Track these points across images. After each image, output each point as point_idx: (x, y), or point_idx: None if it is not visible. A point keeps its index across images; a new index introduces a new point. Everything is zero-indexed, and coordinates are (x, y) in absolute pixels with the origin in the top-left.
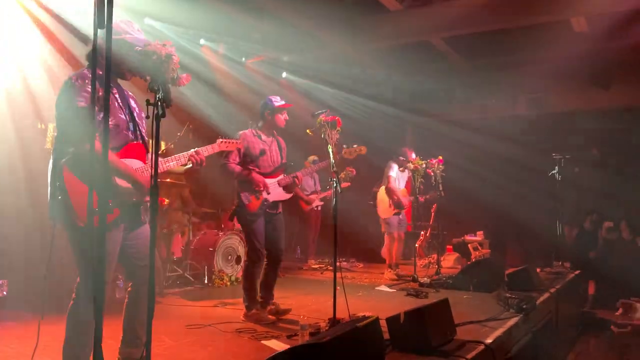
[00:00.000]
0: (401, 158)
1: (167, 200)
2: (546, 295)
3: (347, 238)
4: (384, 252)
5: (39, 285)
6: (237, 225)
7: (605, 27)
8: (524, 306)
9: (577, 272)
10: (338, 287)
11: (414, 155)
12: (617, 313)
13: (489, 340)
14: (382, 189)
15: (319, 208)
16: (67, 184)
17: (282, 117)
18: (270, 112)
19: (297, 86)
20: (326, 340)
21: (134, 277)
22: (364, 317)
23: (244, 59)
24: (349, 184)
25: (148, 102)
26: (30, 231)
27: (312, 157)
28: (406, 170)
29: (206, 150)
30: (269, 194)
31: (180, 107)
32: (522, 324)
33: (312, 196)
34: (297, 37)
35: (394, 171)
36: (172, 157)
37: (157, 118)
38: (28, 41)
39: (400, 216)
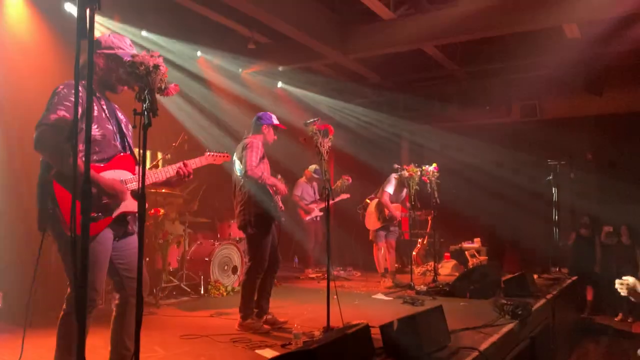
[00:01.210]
0: (404, 173)
1: (162, 210)
2: (542, 301)
3: (344, 247)
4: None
5: (35, 299)
6: (234, 235)
7: (597, 33)
8: (519, 312)
9: (575, 278)
10: (334, 297)
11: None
12: (616, 319)
13: (483, 347)
14: (374, 202)
15: (318, 218)
16: (58, 196)
17: (273, 136)
18: (267, 128)
19: (292, 96)
20: (314, 347)
21: (122, 289)
22: (357, 325)
23: (240, 69)
24: (348, 195)
25: (135, 112)
26: (24, 244)
27: (313, 166)
28: (405, 188)
29: (194, 163)
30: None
31: (176, 118)
32: (518, 330)
33: (312, 206)
34: (292, 48)
35: (392, 187)
36: (161, 169)
37: (145, 128)
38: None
39: (391, 227)
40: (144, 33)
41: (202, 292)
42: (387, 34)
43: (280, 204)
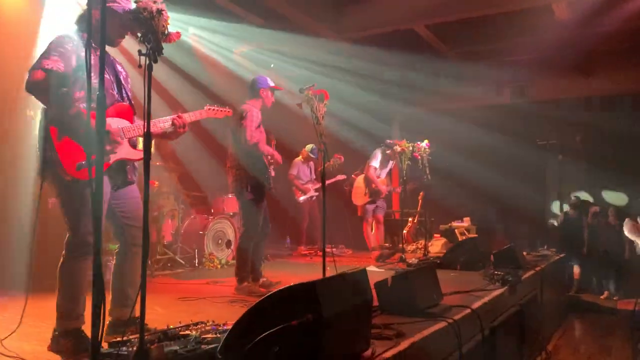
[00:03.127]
0: (396, 148)
1: (157, 183)
2: (531, 272)
3: (335, 225)
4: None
5: (21, 264)
6: (227, 210)
7: (587, 13)
8: (509, 279)
9: (562, 255)
10: (332, 263)
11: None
12: (602, 297)
13: (475, 306)
14: (361, 177)
15: (314, 198)
16: (55, 141)
17: (272, 99)
18: (265, 91)
19: (284, 75)
20: (313, 281)
21: (122, 236)
22: (355, 268)
23: (232, 48)
24: (344, 176)
25: (140, 52)
26: (17, 214)
27: (309, 146)
28: (390, 161)
29: (193, 116)
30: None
31: (171, 94)
32: (507, 296)
33: (307, 186)
34: (285, 27)
35: (377, 161)
36: (157, 119)
37: (149, 68)
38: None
39: (378, 202)
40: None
41: (196, 264)
42: (379, 12)
43: (272, 173)
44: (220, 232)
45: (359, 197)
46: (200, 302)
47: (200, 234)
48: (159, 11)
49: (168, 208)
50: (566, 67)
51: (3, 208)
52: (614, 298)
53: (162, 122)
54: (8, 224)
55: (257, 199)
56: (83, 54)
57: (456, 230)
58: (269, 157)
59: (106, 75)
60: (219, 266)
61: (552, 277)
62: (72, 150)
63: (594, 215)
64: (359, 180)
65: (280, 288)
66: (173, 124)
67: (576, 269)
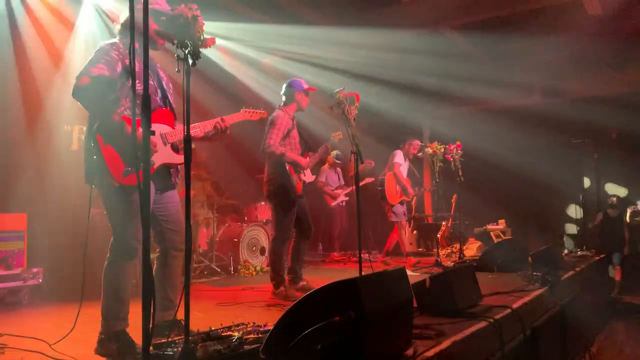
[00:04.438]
0: (409, 147)
1: (192, 192)
2: (571, 272)
3: (369, 231)
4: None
5: (73, 274)
6: (260, 217)
7: (618, 7)
8: (549, 278)
9: (602, 256)
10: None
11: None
12: None
13: (515, 306)
14: (389, 174)
15: (344, 204)
16: (101, 146)
17: (307, 100)
18: (300, 94)
19: (313, 84)
20: (354, 277)
21: (163, 240)
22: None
23: (259, 57)
24: (372, 179)
25: (178, 57)
26: (63, 223)
27: (334, 152)
28: (407, 161)
29: (230, 119)
30: (305, 175)
31: (202, 104)
32: (548, 296)
33: (337, 191)
34: (311, 33)
35: (400, 157)
36: (199, 123)
37: (187, 72)
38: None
39: (405, 206)
40: None
41: (232, 271)
42: (406, 16)
43: (302, 178)
44: (254, 239)
45: (392, 195)
46: (238, 306)
47: (234, 241)
48: (195, 17)
49: (202, 217)
50: (600, 64)
51: (55, 217)
52: None
53: (204, 126)
54: (62, 232)
55: (284, 203)
56: (128, 61)
57: (491, 233)
58: (294, 163)
59: (150, 81)
60: (254, 273)
61: (593, 278)
62: (118, 157)
63: (634, 214)
64: (388, 178)
65: (321, 286)
66: (216, 127)
67: (617, 270)
